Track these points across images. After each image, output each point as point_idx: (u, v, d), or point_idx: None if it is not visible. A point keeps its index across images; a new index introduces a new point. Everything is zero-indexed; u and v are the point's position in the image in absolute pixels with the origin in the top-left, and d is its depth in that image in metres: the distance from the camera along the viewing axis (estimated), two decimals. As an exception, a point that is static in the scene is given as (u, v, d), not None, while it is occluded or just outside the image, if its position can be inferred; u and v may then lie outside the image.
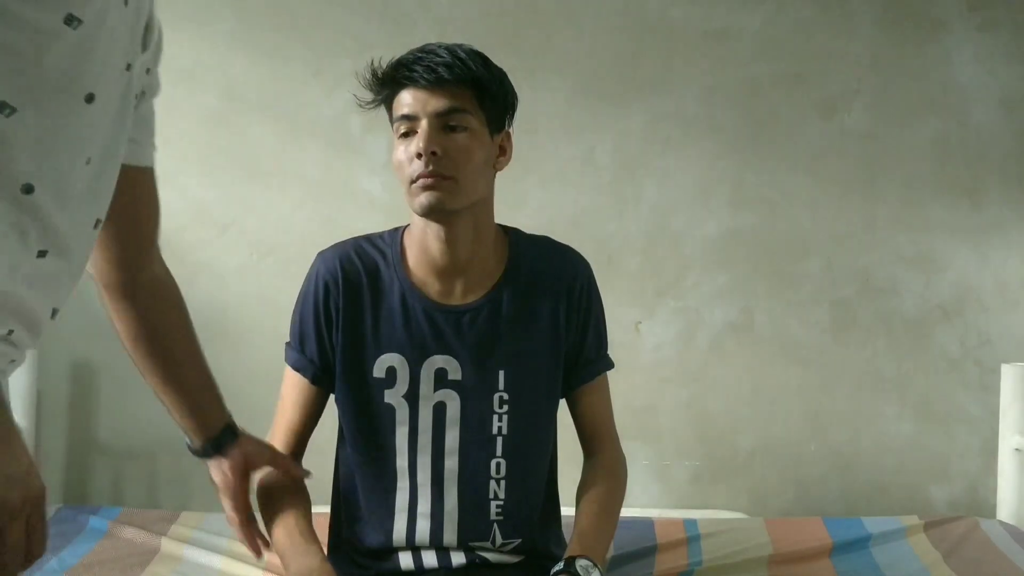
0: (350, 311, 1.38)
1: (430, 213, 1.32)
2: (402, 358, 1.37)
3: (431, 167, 1.28)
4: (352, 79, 1.36)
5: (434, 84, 1.29)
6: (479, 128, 1.32)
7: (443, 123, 1.30)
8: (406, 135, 1.32)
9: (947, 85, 2.42)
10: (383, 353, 1.38)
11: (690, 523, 2.04)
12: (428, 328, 1.38)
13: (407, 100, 1.31)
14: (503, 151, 1.38)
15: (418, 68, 1.29)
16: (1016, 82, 2.41)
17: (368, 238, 1.44)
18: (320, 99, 2.39)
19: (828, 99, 2.42)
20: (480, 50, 1.36)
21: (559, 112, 2.40)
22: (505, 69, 1.38)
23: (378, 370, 1.38)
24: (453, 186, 1.30)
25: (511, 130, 1.41)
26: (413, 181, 1.30)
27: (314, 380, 1.41)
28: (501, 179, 1.42)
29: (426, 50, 1.32)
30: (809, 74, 2.42)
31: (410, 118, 1.31)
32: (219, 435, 1.31)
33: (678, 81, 2.42)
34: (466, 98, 1.31)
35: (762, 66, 2.42)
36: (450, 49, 1.32)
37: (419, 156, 1.29)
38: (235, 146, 2.40)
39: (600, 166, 2.42)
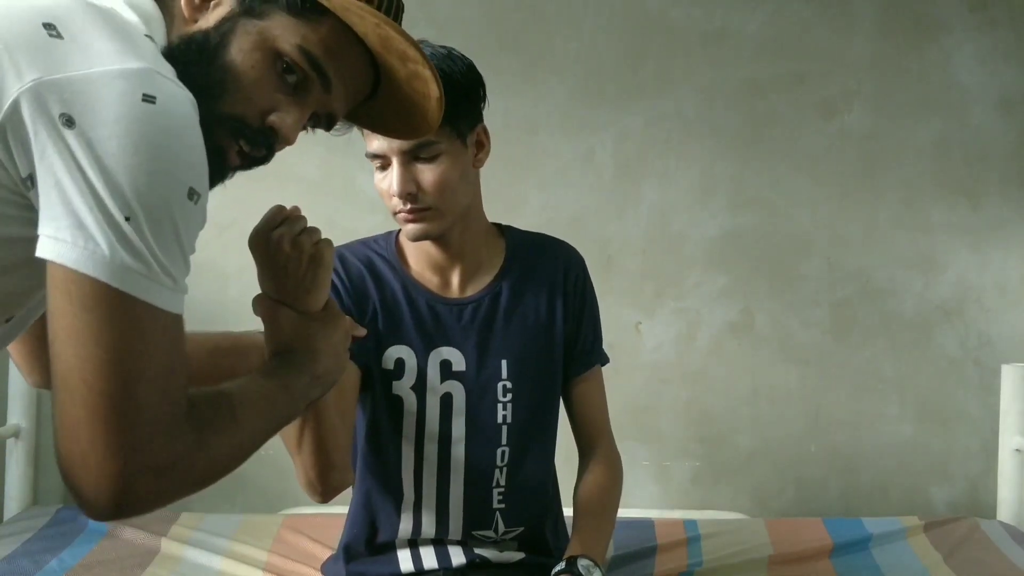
0: (358, 305, 1.39)
1: (418, 240, 1.35)
2: (410, 350, 1.39)
3: (409, 205, 1.30)
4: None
5: None
6: (450, 146, 1.29)
7: (413, 156, 1.28)
8: (381, 167, 1.32)
9: (947, 85, 2.42)
10: (391, 345, 1.39)
11: (690, 523, 2.04)
12: (432, 321, 1.40)
13: (373, 138, 1.28)
14: (480, 146, 1.37)
15: None
16: (1016, 82, 2.41)
17: (361, 241, 1.46)
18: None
19: (828, 99, 2.42)
20: (455, 49, 1.31)
21: (559, 112, 2.40)
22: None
23: (387, 362, 1.39)
24: (435, 215, 1.32)
25: (483, 122, 1.37)
26: (396, 213, 1.33)
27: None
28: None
29: None
30: (809, 74, 2.42)
31: (380, 156, 1.30)
32: None
33: (678, 81, 2.42)
34: None
35: (762, 66, 2.42)
36: None
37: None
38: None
39: (600, 166, 2.42)
